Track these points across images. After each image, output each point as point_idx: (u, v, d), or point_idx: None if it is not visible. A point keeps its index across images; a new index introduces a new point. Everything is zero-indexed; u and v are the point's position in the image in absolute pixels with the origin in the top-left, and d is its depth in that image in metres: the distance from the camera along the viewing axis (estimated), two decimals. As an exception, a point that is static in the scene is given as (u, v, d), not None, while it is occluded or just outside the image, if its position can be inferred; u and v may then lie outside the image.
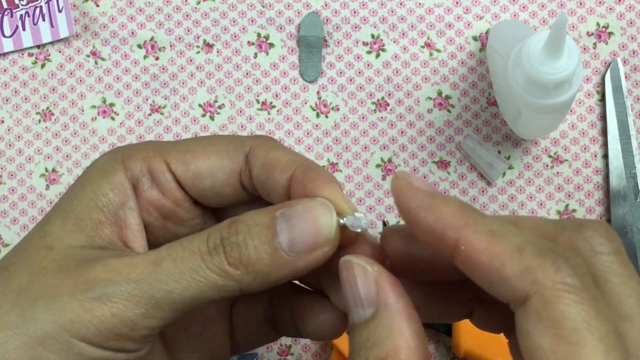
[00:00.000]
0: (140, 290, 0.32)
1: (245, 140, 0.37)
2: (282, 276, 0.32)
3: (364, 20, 0.64)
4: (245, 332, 0.40)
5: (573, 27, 0.63)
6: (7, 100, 0.64)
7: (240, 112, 0.64)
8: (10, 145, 0.64)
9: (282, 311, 0.39)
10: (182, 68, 0.64)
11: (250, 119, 0.64)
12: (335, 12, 0.64)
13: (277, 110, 0.64)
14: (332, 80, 0.64)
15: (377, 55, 0.64)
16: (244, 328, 0.40)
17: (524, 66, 0.48)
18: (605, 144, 0.62)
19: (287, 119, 0.64)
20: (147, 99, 0.64)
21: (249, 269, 0.32)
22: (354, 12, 0.64)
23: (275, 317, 0.39)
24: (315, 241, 0.32)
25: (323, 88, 0.64)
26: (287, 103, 0.64)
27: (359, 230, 0.33)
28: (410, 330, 0.29)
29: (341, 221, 0.32)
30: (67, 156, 0.64)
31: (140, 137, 0.64)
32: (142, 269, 0.32)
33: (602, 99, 0.63)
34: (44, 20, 0.63)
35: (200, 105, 0.64)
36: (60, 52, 0.64)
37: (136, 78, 0.64)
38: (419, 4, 0.64)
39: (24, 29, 0.64)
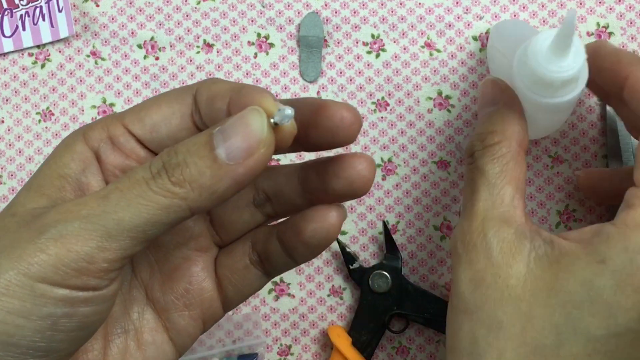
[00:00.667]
0: (92, 223, 0.33)
1: (193, 85, 0.39)
2: (226, 187, 0.34)
3: (364, 20, 0.64)
4: (233, 281, 0.42)
5: (573, 27, 0.63)
6: (7, 100, 0.64)
7: (240, 112, 0.64)
8: (10, 145, 0.64)
9: (268, 246, 0.41)
10: (182, 68, 0.64)
11: (250, 119, 0.64)
12: (335, 12, 0.64)
13: (277, 110, 0.64)
14: (332, 80, 0.64)
15: (377, 55, 0.64)
16: (231, 277, 0.42)
17: (531, 65, 0.48)
18: (605, 144, 0.62)
19: (287, 119, 0.64)
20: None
21: (193, 185, 0.33)
22: (354, 12, 0.64)
23: (261, 256, 0.42)
24: (249, 144, 0.33)
25: (323, 88, 0.64)
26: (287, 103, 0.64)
27: (286, 120, 0.34)
28: (521, 122, 0.48)
29: (272, 120, 0.34)
30: (67, 156, 0.64)
31: (140, 137, 0.64)
32: (91, 204, 0.34)
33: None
34: (44, 20, 0.63)
35: (200, 105, 0.64)
36: (60, 52, 0.64)
37: (136, 78, 0.64)
38: (419, 4, 0.64)
39: (24, 29, 0.64)
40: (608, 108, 0.62)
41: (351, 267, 0.61)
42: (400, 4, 0.64)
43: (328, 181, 0.39)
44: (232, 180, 0.33)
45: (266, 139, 0.34)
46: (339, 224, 0.39)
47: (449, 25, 0.63)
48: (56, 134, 0.64)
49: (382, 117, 0.63)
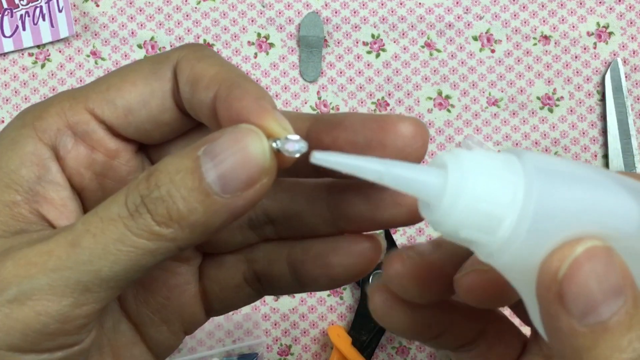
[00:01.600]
0: (63, 278, 0.27)
1: (171, 53, 0.31)
2: (223, 222, 0.27)
3: (364, 20, 0.64)
4: (221, 297, 0.35)
5: (573, 26, 0.63)
6: (7, 100, 0.64)
7: (240, 112, 0.64)
8: (10, 145, 0.64)
9: (272, 268, 0.34)
10: (182, 68, 0.64)
11: (250, 118, 0.64)
12: (335, 12, 0.64)
13: (277, 110, 0.64)
14: (332, 80, 0.64)
15: (377, 55, 0.64)
16: (219, 293, 0.35)
17: None
18: (605, 144, 0.62)
19: (287, 118, 0.64)
20: (147, 99, 0.64)
21: (182, 224, 0.27)
22: (354, 12, 0.64)
23: (259, 276, 0.35)
24: (249, 175, 0.27)
25: (323, 88, 0.64)
26: (287, 103, 0.64)
27: (297, 155, 0.28)
28: None
29: (274, 145, 0.28)
30: (67, 156, 0.64)
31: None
32: (58, 254, 0.27)
33: (602, 98, 0.63)
34: (44, 20, 0.63)
35: (200, 105, 0.64)
36: (60, 52, 0.64)
37: (136, 78, 0.64)
38: (419, 4, 0.64)
39: (24, 28, 0.64)
40: (608, 108, 0.62)
41: (351, 267, 0.61)
42: (400, 4, 0.64)
43: (380, 209, 0.31)
44: (228, 215, 0.27)
45: (269, 167, 0.27)
46: (378, 259, 0.32)
47: (449, 25, 0.63)
48: (56, 134, 0.64)
49: (382, 117, 0.63)
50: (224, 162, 0.27)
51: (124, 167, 0.32)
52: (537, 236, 0.25)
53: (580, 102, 0.63)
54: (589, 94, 0.63)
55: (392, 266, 0.30)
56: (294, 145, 0.28)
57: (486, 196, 0.25)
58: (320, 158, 0.26)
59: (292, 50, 0.64)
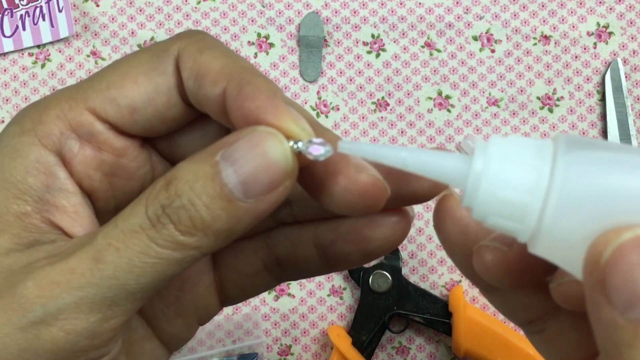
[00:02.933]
0: (89, 295, 0.27)
1: (170, 45, 0.30)
2: (247, 226, 0.27)
3: (364, 20, 0.64)
4: (239, 284, 0.35)
5: (573, 26, 0.63)
6: (7, 100, 0.64)
7: (240, 112, 0.64)
8: (10, 145, 0.64)
9: (298, 252, 0.33)
10: (182, 68, 0.64)
11: (250, 118, 0.64)
12: (335, 12, 0.64)
13: (277, 110, 0.64)
14: (332, 80, 0.64)
15: (377, 55, 0.64)
16: (237, 281, 0.34)
17: None
18: (605, 144, 0.62)
19: (287, 118, 0.64)
20: (147, 99, 0.64)
21: (207, 232, 0.27)
22: (354, 12, 0.64)
23: (281, 261, 0.34)
24: (272, 179, 0.26)
25: (323, 88, 0.64)
26: (287, 103, 0.64)
27: (321, 159, 0.27)
28: None
29: (295, 147, 0.27)
30: (67, 156, 0.64)
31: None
32: (82, 271, 0.27)
33: (602, 98, 0.63)
34: (44, 20, 0.63)
35: (200, 105, 0.64)
36: (60, 52, 0.64)
37: (136, 78, 0.64)
38: (419, 3, 0.64)
39: (24, 28, 0.64)
40: (608, 108, 0.62)
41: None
42: (401, 3, 0.64)
43: (406, 185, 0.31)
44: (252, 219, 0.27)
45: (292, 170, 0.27)
46: (409, 228, 0.32)
47: (449, 25, 0.63)
48: (56, 134, 0.64)
49: (382, 117, 0.63)
50: (245, 167, 0.26)
51: (133, 163, 0.32)
52: (573, 223, 0.23)
53: (580, 102, 0.63)
54: (589, 94, 0.63)
55: (482, 257, 0.28)
56: (319, 149, 0.27)
57: (509, 183, 0.24)
58: (346, 147, 0.27)
59: (292, 50, 0.64)
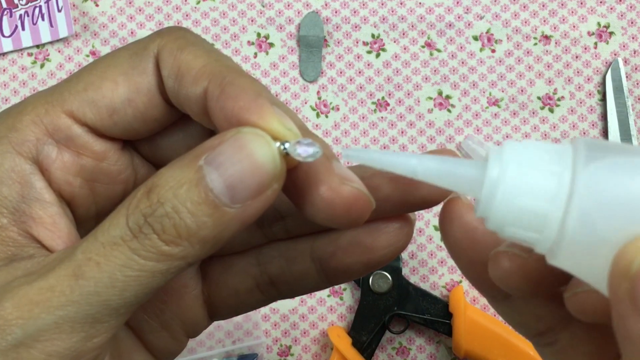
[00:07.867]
0: (70, 314, 0.25)
1: (149, 42, 0.29)
2: (234, 232, 0.26)
3: (364, 19, 0.64)
4: (229, 302, 0.33)
5: (574, 26, 0.63)
6: (6, 100, 0.64)
7: (240, 112, 0.64)
8: (9, 145, 0.64)
9: (294, 268, 0.32)
10: (181, 68, 0.64)
11: (250, 118, 0.64)
12: (335, 12, 0.64)
13: (277, 110, 0.64)
14: (332, 80, 0.64)
15: (377, 55, 0.63)
16: (227, 299, 0.33)
17: None
18: (606, 144, 0.62)
19: (287, 118, 0.64)
20: (146, 99, 0.64)
21: (192, 240, 0.25)
22: (354, 12, 0.64)
23: (274, 280, 0.33)
24: (259, 183, 0.25)
25: (323, 88, 0.64)
26: (287, 103, 0.63)
27: (310, 160, 0.26)
28: None
29: (282, 148, 0.26)
30: (66, 156, 0.64)
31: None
32: (61, 289, 0.25)
33: (603, 98, 0.63)
34: (43, 20, 0.63)
35: (200, 105, 0.64)
36: (59, 51, 0.64)
37: (136, 78, 0.64)
38: (419, 3, 0.63)
39: (23, 28, 0.64)
40: (609, 108, 0.62)
41: (351, 268, 0.61)
42: (401, 3, 0.64)
43: (409, 192, 0.29)
44: (239, 224, 0.26)
45: (279, 173, 0.26)
46: (412, 232, 0.31)
47: (449, 25, 0.63)
48: (55, 134, 0.64)
49: (382, 117, 0.63)
50: (231, 170, 0.25)
51: (114, 167, 0.30)
52: (597, 232, 0.22)
53: (580, 102, 0.63)
54: (590, 94, 0.62)
55: (500, 263, 0.27)
56: (307, 149, 0.26)
57: (527, 191, 0.22)
58: (351, 155, 0.25)
59: (292, 50, 0.64)
